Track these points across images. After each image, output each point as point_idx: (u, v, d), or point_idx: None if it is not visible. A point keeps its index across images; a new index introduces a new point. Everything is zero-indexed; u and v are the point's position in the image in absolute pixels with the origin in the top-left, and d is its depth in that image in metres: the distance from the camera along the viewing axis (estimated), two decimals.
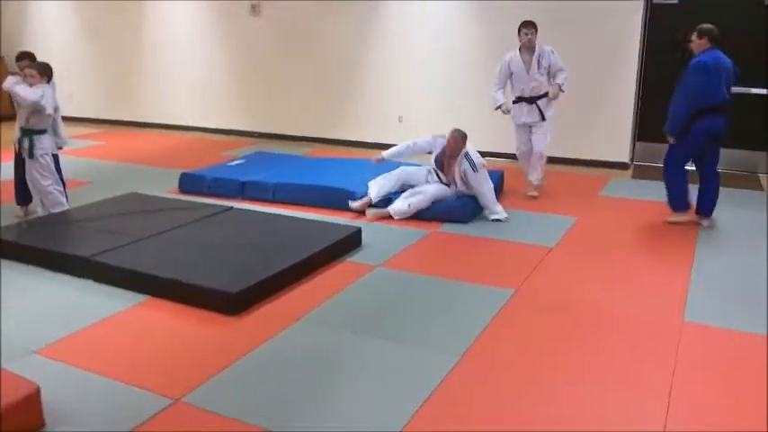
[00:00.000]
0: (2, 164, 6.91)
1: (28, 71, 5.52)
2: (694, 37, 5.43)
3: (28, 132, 5.57)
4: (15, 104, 5.70)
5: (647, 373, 3.33)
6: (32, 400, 2.81)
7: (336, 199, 6.21)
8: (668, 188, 5.70)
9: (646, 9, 7.69)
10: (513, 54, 6.49)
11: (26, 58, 5.98)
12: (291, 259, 4.53)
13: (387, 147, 9.03)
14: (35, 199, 5.80)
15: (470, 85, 8.54)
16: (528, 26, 6.34)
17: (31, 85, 5.45)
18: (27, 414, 2.79)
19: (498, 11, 8.22)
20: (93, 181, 7.36)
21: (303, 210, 6.14)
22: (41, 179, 5.62)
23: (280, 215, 5.74)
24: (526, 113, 6.56)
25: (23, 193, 5.89)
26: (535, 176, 6.69)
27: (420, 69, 8.91)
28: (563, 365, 3.42)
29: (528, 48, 6.40)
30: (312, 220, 5.58)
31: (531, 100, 6.51)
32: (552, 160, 7.21)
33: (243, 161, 7.64)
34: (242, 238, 5.06)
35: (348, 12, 9.21)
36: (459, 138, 5.85)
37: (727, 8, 7.28)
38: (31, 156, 5.56)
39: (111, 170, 8.03)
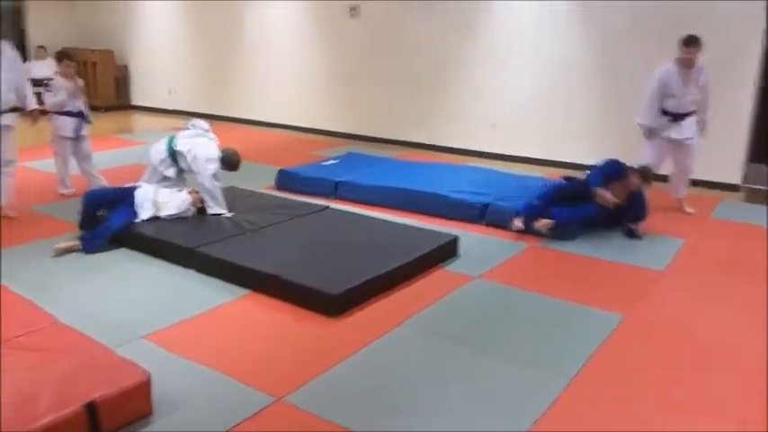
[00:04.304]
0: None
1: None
2: None
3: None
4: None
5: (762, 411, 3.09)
6: (143, 388, 2.83)
7: (431, 204, 6.12)
8: None
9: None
10: (669, 69, 6.17)
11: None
12: (390, 264, 4.46)
13: (480, 154, 9.02)
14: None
15: (570, 92, 8.31)
16: (693, 44, 5.99)
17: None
18: (137, 401, 2.81)
19: (600, 12, 7.94)
20: None
21: (396, 213, 6.08)
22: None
23: (376, 218, 5.69)
24: (679, 129, 6.27)
25: None
26: (682, 192, 6.52)
27: (516, 75, 8.70)
28: (675, 398, 3.22)
29: (686, 64, 6.10)
30: (408, 225, 5.51)
31: (682, 116, 6.24)
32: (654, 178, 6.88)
33: (337, 161, 7.65)
34: (339, 238, 5.02)
35: (446, 15, 9.10)
36: None
37: None
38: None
39: None
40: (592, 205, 5.63)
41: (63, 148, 6.47)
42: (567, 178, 6.09)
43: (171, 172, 5.59)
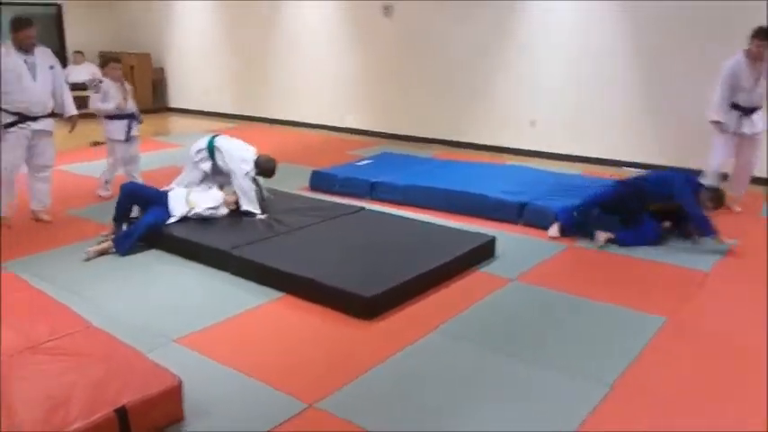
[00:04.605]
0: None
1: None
2: None
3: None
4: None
5: None
6: (174, 393, 2.79)
7: (467, 204, 6.03)
8: None
9: None
10: (737, 61, 5.98)
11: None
12: (425, 266, 4.37)
13: (516, 152, 8.87)
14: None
15: (608, 88, 8.13)
16: (765, 36, 5.81)
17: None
18: (168, 407, 2.77)
19: (640, 8, 7.74)
20: None
21: (432, 214, 6.00)
22: None
23: (411, 219, 5.61)
24: (751, 124, 6.09)
25: None
26: (743, 190, 6.34)
27: (553, 71, 8.55)
28: (720, 406, 3.08)
29: (757, 56, 5.90)
30: (444, 226, 5.42)
31: (752, 110, 6.07)
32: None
33: (371, 161, 7.59)
34: (374, 240, 4.95)
35: (480, 12, 8.97)
36: None
37: None
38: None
39: None
40: (651, 223, 5.32)
41: (116, 152, 6.51)
42: (621, 185, 5.62)
43: (206, 165, 5.61)
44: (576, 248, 5.23)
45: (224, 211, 5.34)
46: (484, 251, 4.91)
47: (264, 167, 5.53)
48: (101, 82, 6.52)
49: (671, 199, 5.27)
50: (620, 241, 5.24)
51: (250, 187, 5.42)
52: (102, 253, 4.90)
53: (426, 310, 4.06)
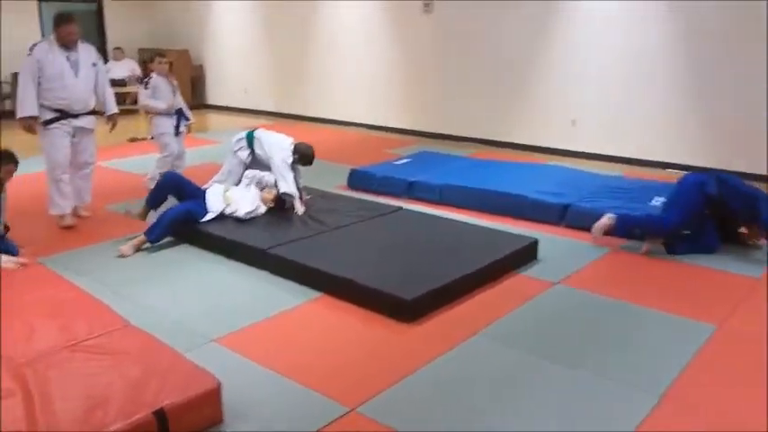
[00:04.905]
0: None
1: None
2: None
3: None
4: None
5: None
6: (214, 396, 2.74)
7: (507, 205, 5.91)
8: None
9: None
10: None
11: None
12: (467, 268, 4.27)
13: (555, 152, 8.70)
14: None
15: (651, 88, 7.91)
16: None
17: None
18: (207, 409, 2.72)
19: (686, 7, 7.52)
20: None
21: (469, 213, 5.91)
22: None
23: (450, 219, 5.51)
24: None
25: None
26: None
27: (594, 70, 8.34)
28: None
29: None
30: (485, 227, 5.31)
31: None
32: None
33: (409, 160, 7.50)
34: (413, 240, 4.87)
35: (520, 9, 8.81)
36: None
37: None
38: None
39: None
40: (713, 234, 5.04)
41: (169, 147, 6.51)
42: (703, 206, 5.01)
43: (244, 154, 5.78)
44: (619, 252, 5.08)
45: (262, 209, 5.31)
46: (526, 254, 4.80)
47: (304, 153, 5.65)
48: (143, 78, 6.53)
49: (754, 220, 4.95)
50: (672, 249, 5.01)
51: (288, 170, 5.50)
52: (138, 248, 4.91)
53: (468, 314, 3.96)
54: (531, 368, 3.35)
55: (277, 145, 5.64)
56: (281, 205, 5.44)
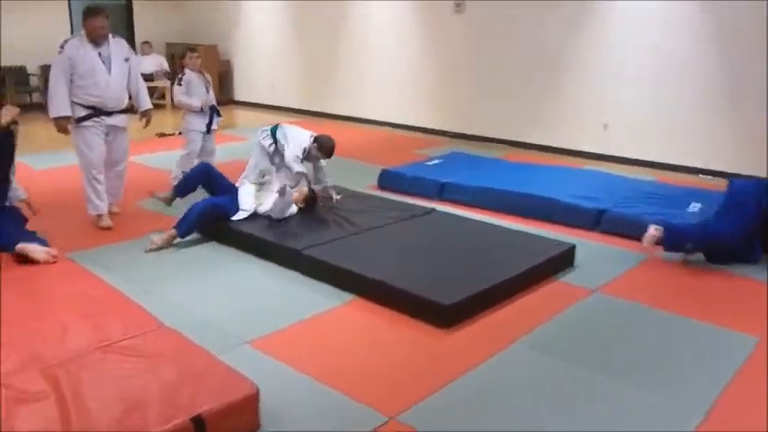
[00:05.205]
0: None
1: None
2: None
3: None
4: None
5: None
6: (251, 402, 2.66)
7: (541, 209, 5.78)
8: None
9: None
10: None
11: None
12: (505, 273, 4.17)
13: (587, 155, 8.54)
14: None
15: (685, 93, 7.72)
16: None
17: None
18: (245, 415, 2.65)
19: (721, 11, 7.32)
20: None
21: (502, 217, 5.79)
22: None
23: (484, 222, 5.40)
24: None
25: None
26: None
27: (628, 73, 8.15)
28: None
29: None
30: (519, 231, 5.19)
31: None
32: None
33: (441, 161, 7.39)
34: (447, 243, 4.77)
35: (554, 9, 8.65)
36: None
37: None
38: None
39: None
40: (759, 247, 4.85)
41: (194, 144, 6.46)
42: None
43: (267, 142, 5.82)
44: (658, 259, 4.94)
45: (294, 210, 5.24)
46: (564, 259, 4.68)
47: (324, 144, 5.67)
48: (172, 73, 6.50)
49: None
50: (712, 258, 4.86)
51: (296, 164, 5.57)
52: (169, 242, 4.88)
53: (506, 320, 3.86)
54: (573, 379, 3.24)
55: (296, 139, 5.69)
56: (311, 204, 5.37)
